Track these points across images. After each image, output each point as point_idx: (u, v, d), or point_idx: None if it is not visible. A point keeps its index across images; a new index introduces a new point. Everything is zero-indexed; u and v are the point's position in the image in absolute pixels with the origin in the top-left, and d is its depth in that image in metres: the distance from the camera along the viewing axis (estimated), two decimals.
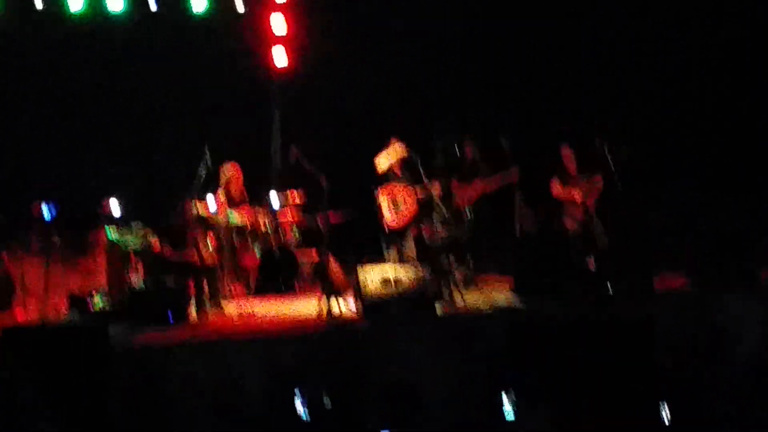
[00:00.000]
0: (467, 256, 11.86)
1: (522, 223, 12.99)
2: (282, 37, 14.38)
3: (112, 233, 11.33)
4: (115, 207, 11.78)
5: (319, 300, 9.84)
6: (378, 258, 11.15)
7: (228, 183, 11.52)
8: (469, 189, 12.13)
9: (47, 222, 10.78)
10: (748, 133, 12.93)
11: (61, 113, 13.01)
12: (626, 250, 11.12)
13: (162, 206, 11.16)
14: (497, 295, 10.50)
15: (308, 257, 12.00)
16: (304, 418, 7.68)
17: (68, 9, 12.92)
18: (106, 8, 13.10)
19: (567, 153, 11.97)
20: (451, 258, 11.28)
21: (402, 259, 10.95)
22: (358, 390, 7.96)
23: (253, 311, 10.21)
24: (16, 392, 6.85)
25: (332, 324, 9.29)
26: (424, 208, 11.37)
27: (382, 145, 11.36)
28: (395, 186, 11.18)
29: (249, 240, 11.85)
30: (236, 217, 11.47)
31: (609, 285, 9.76)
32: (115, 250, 11.35)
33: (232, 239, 11.61)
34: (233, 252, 11.66)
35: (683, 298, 9.76)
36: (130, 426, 7.65)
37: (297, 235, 12.25)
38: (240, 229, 11.75)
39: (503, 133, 12.66)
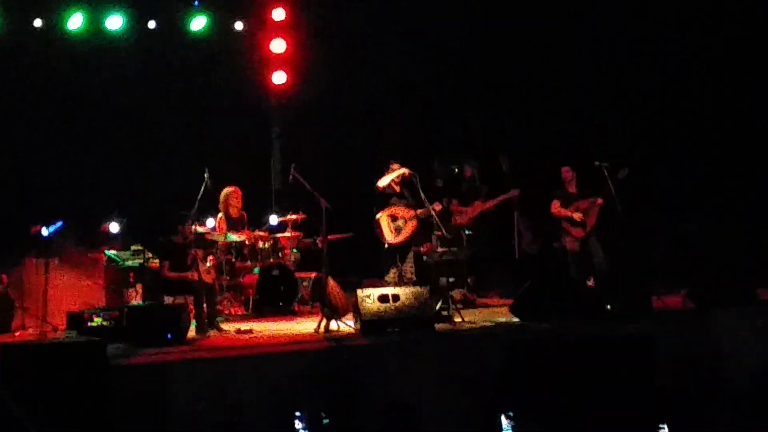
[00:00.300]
0: (466, 276, 11.87)
1: (521, 242, 13.03)
2: (280, 55, 14.45)
3: (111, 253, 11.36)
4: (114, 227, 11.80)
5: (318, 319, 9.84)
6: (377, 277, 11.14)
7: (228, 206, 11.50)
8: (468, 209, 12.16)
9: (46, 242, 10.77)
10: (746, 153, 12.94)
11: (59, 135, 12.98)
12: (625, 270, 11.14)
13: (161, 227, 11.15)
14: (496, 314, 10.49)
15: (307, 277, 12.01)
16: None
17: (67, 28, 12.95)
18: (104, 27, 13.14)
19: (567, 173, 11.99)
20: (450, 277, 11.29)
21: (401, 279, 10.94)
22: (357, 409, 7.93)
23: (251, 329, 10.20)
24: (15, 410, 6.83)
25: (331, 343, 9.27)
26: (424, 227, 11.37)
27: (381, 164, 11.37)
28: (395, 205, 11.18)
29: (248, 259, 11.87)
30: (235, 238, 11.47)
31: (608, 304, 9.75)
32: (114, 269, 11.37)
33: (232, 258, 11.64)
34: (232, 271, 11.69)
35: (682, 318, 9.75)
36: None
37: (296, 255, 12.25)
38: (239, 249, 11.76)
39: (503, 152, 12.71)
